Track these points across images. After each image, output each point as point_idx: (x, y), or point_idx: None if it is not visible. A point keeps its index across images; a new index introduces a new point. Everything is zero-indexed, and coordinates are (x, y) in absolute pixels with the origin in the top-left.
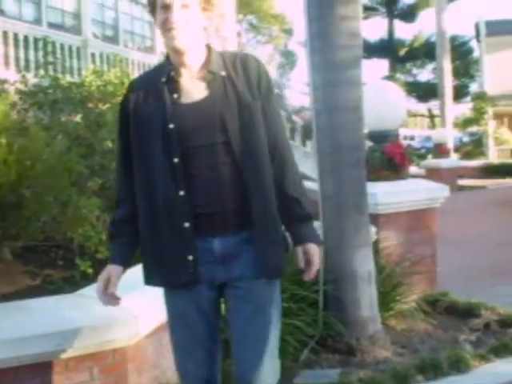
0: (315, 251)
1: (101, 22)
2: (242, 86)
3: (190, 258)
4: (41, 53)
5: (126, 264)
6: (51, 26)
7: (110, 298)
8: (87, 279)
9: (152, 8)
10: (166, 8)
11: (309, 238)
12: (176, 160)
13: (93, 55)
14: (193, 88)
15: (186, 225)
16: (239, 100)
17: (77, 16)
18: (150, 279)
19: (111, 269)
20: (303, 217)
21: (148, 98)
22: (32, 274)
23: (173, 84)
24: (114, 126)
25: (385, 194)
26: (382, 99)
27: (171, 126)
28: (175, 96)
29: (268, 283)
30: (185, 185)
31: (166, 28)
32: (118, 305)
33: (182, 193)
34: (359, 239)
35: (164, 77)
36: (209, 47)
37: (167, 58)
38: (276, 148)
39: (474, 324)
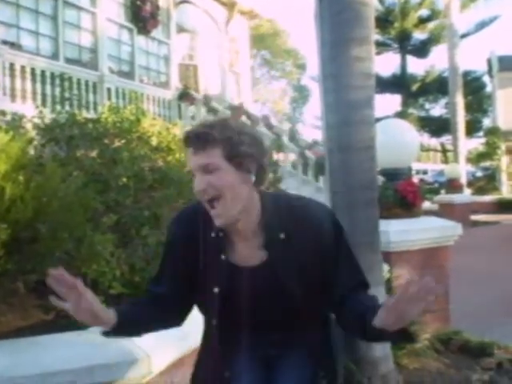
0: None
1: (117, 57)
2: (303, 248)
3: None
4: (58, 88)
5: (118, 315)
6: (68, 61)
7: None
8: None
9: None
10: (193, 175)
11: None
12: (214, 322)
13: (109, 90)
14: (245, 249)
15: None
16: (301, 267)
17: (93, 51)
18: None
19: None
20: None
21: (193, 250)
22: (45, 309)
23: (223, 241)
24: (129, 162)
25: (397, 233)
26: (394, 137)
27: (216, 290)
28: (223, 257)
29: None
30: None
31: (201, 200)
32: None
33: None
34: (372, 278)
35: (214, 232)
36: (262, 201)
37: None
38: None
39: (487, 363)
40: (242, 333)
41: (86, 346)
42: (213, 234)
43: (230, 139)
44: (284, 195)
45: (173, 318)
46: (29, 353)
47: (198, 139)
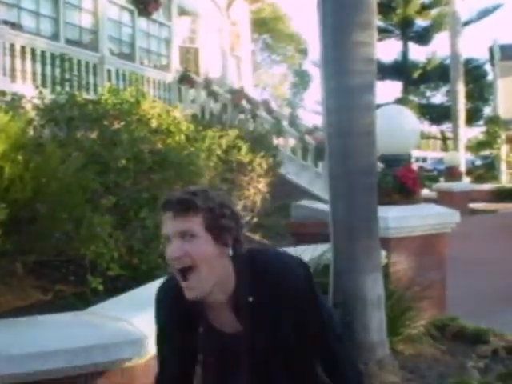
0: None
1: (117, 39)
2: (274, 312)
3: None
4: (58, 69)
5: None
6: (69, 42)
7: None
8: (98, 296)
9: None
10: (168, 240)
11: None
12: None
13: (109, 72)
14: (222, 317)
15: None
16: (271, 330)
17: (94, 32)
18: None
19: None
20: None
21: (175, 325)
22: (44, 289)
23: (202, 315)
24: (128, 144)
25: (396, 219)
26: (395, 124)
27: (200, 357)
28: (200, 330)
29: None
30: None
31: (172, 266)
32: None
33: None
34: (369, 263)
35: (185, 307)
36: (236, 269)
37: None
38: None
39: (483, 351)
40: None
41: (84, 326)
42: (186, 306)
43: (212, 210)
44: (260, 255)
45: None
46: (27, 332)
47: (180, 204)
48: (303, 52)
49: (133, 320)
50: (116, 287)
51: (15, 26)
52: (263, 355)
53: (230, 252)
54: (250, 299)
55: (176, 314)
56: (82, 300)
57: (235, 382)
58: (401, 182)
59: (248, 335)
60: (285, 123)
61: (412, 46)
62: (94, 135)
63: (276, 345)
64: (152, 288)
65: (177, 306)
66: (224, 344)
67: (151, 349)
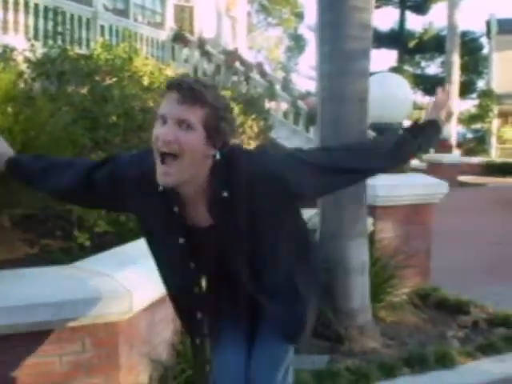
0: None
1: None
2: (248, 207)
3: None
4: (51, 22)
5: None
6: None
7: None
8: (84, 251)
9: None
10: (163, 120)
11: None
12: (192, 265)
13: (102, 27)
14: (192, 208)
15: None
16: (242, 225)
17: None
18: None
19: None
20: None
21: (148, 199)
22: (30, 243)
23: (172, 197)
24: (119, 101)
25: (384, 187)
26: (388, 91)
27: (181, 240)
28: (175, 209)
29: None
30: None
31: (157, 148)
32: None
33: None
34: (355, 229)
35: (161, 186)
36: (213, 164)
37: None
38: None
39: (463, 321)
40: (214, 281)
41: (70, 280)
42: (160, 188)
43: (216, 109)
44: (241, 154)
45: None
46: (13, 285)
47: (190, 92)
48: (299, 16)
49: (118, 276)
50: (103, 243)
51: None
52: (233, 251)
53: (218, 155)
54: (225, 194)
55: (144, 181)
56: (69, 255)
57: (217, 266)
58: None
59: (219, 230)
60: (278, 87)
61: (409, 15)
62: (84, 90)
63: (248, 240)
64: (138, 245)
65: (148, 181)
66: (196, 235)
67: (136, 305)
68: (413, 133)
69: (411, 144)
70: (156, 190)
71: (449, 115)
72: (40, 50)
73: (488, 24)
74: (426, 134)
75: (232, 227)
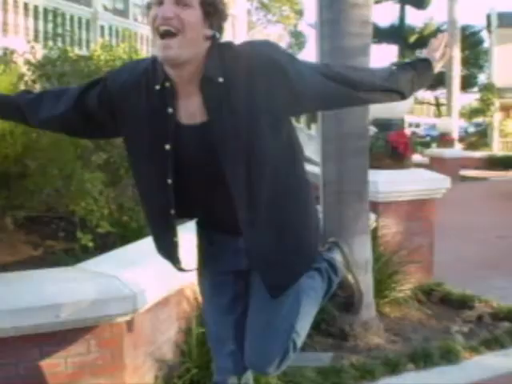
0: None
1: None
2: (245, 92)
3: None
4: (50, 24)
5: None
6: None
7: None
8: (87, 252)
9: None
10: (159, 2)
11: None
12: (169, 181)
13: (102, 28)
14: (189, 103)
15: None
16: (239, 118)
17: None
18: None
19: None
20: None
21: (139, 104)
22: (34, 245)
23: (168, 95)
24: None
25: (386, 183)
26: None
27: (167, 146)
28: (170, 111)
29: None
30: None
31: (156, 28)
32: None
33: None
34: (358, 226)
35: (158, 84)
36: (210, 46)
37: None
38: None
39: (467, 316)
40: (199, 195)
41: (73, 282)
42: (157, 87)
43: None
44: (238, 43)
45: (34, 123)
46: (16, 287)
47: None
48: (299, 13)
49: (122, 277)
50: (106, 244)
51: None
52: (227, 149)
53: (217, 35)
54: (221, 79)
55: (136, 85)
56: (72, 256)
57: (206, 176)
58: (392, 146)
59: (215, 124)
60: None
61: (409, 10)
62: None
63: (246, 138)
64: (141, 246)
65: (144, 77)
66: (188, 137)
67: (140, 305)
68: (403, 66)
69: (403, 73)
70: (152, 90)
71: (443, 55)
72: (40, 52)
73: (488, 18)
74: (417, 68)
75: (228, 120)
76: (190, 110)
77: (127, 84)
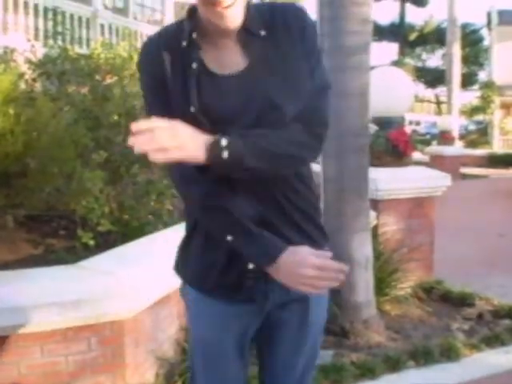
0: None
1: None
2: (286, 46)
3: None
4: (50, 22)
5: None
6: None
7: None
8: (88, 250)
9: None
10: None
11: None
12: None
13: (102, 26)
14: (224, 55)
15: None
16: (287, 66)
17: None
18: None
19: None
20: None
21: (164, 69)
22: (34, 243)
23: (196, 49)
24: (120, 100)
25: (386, 181)
26: (389, 85)
27: (192, 109)
28: (195, 66)
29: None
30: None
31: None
32: None
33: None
34: (358, 224)
35: (185, 40)
36: (248, 2)
37: (190, 11)
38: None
39: (468, 313)
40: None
41: (73, 280)
42: (184, 43)
43: None
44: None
45: None
46: (17, 285)
47: None
48: None
49: (122, 274)
50: (106, 243)
51: None
52: (272, 101)
53: None
54: (263, 33)
55: (169, 54)
56: (73, 254)
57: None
58: (392, 144)
59: (253, 70)
60: None
61: (409, 7)
62: (85, 90)
63: (289, 85)
64: (142, 244)
65: (171, 44)
66: (220, 90)
67: (140, 303)
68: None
69: None
70: (179, 48)
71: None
72: (40, 51)
73: (489, 15)
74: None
75: (268, 67)
76: (224, 59)
77: (162, 46)
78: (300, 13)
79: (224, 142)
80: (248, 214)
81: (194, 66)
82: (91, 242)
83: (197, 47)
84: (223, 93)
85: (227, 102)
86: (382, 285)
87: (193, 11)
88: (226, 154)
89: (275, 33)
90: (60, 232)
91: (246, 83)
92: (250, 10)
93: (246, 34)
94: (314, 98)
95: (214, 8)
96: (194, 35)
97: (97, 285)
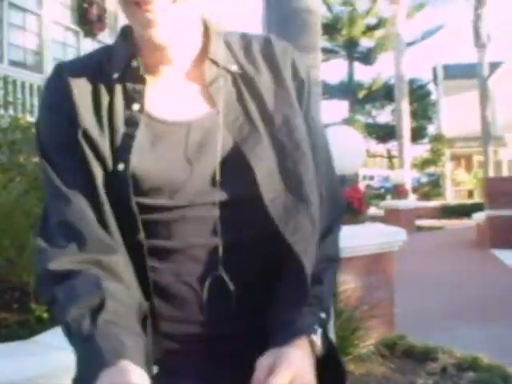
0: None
1: (62, 60)
2: (271, 89)
3: None
4: (1, 92)
5: None
6: (12, 63)
7: None
8: (42, 324)
9: None
10: None
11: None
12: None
13: None
14: (174, 94)
15: None
16: (270, 116)
17: (38, 54)
18: None
19: None
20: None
21: (85, 107)
22: None
23: (134, 83)
24: None
25: (342, 238)
26: (341, 144)
27: (120, 166)
28: (135, 107)
29: None
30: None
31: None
32: None
33: None
34: None
35: (117, 70)
36: (206, 27)
37: (125, 32)
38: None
39: (432, 368)
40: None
41: (27, 356)
42: (115, 75)
43: None
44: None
45: None
46: None
47: None
48: None
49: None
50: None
51: None
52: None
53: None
54: (234, 67)
55: (94, 79)
56: (26, 328)
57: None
58: (347, 202)
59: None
60: None
61: (358, 66)
62: (37, 159)
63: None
64: None
65: (94, 76)
66: (165, 139)
67: None
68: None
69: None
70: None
71: None
72: None
73: (434, 70)
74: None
75: (241, 111)
76: (178, 100)
77: (78, 84)
78: (286, 48)
79: (315, 338)
80: None
81: (136, 107)
82: (45, 315)
83: (137, 80)
84: (169, 148)
85: (173, 161)
86: (344, 344)
87: (130, 31)
88: (321, 349)
89: (252, 70)
90: (13, 305)
91: (204, 136)
92: (212, 38)
93: (210, 67)
94: (328, 178)
95: (140, 11)
96: (135, 63)
97: (51, 360)
